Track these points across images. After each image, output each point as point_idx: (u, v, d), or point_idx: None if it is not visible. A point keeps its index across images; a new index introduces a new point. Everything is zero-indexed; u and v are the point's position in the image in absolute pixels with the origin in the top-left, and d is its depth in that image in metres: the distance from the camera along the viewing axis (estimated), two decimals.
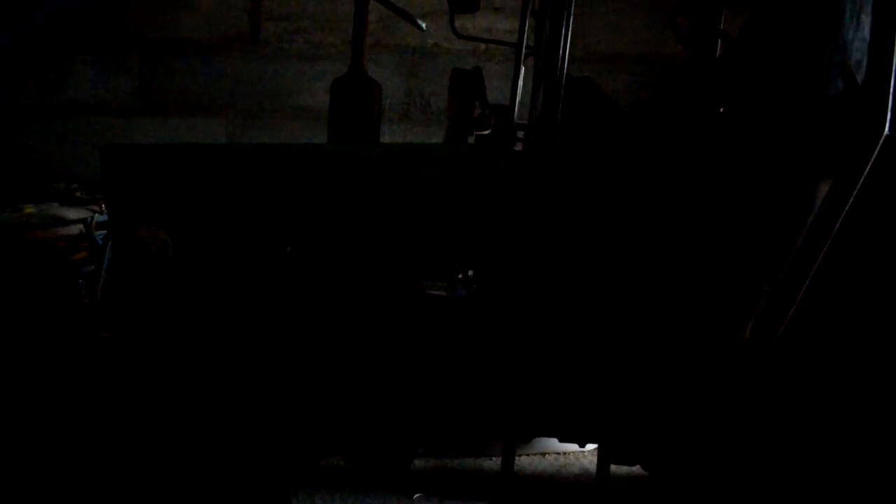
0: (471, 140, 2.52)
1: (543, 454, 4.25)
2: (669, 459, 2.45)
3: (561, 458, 4.24)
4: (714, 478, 2.35)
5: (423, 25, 3.78)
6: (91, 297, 3.90)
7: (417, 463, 4.12)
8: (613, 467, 2.86)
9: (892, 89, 1.96)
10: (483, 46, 5.06)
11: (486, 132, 2.51)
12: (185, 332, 2.78)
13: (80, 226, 4.09)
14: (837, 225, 2.00)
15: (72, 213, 4.20)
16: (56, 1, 4.87)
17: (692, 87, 2.66)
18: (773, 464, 2.30)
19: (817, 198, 2.08)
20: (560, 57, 2.25)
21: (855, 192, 1.99)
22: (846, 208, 2.00)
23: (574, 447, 4.21)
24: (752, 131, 2.29)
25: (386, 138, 5.10)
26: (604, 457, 2.59)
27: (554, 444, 4.29)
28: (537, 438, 3.96)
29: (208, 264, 2.78)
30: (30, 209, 4.25)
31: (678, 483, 2.39)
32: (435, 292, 2.90)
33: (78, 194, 4.57)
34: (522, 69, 2.39)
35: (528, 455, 4.22)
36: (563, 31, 2.25)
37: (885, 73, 1.96)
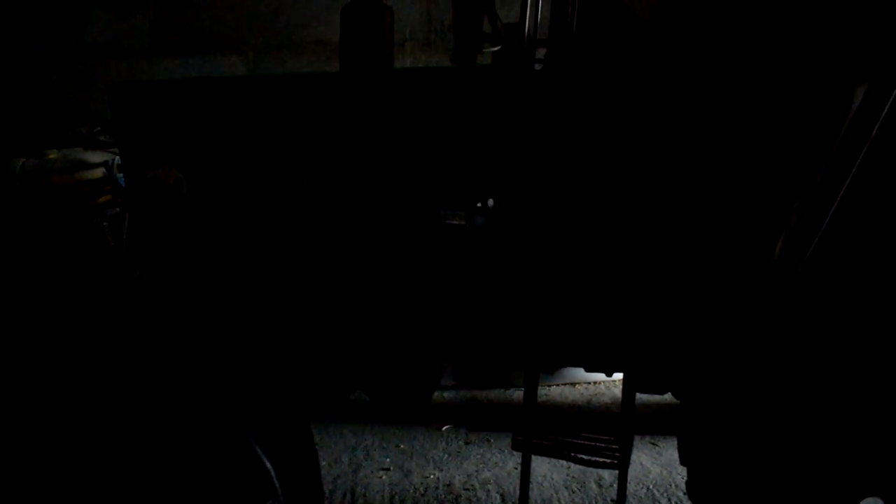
0: (480, 58, 2.42)
1: (574, 384, 4.23)
2: (696, 388, 2.39)
3: (592, 387, 4.22)
4: (742, 407, 2.29)
5: None
6: (117, 240, 3.91)
7: (448, 395, 4.13)
8: (647, 396, 2.80)
9: None
10: None
11: (497, 48, 2.40)
12: (205, 270, 2.76)
13: (103, 168, 4.08)
14: (874, 133, 1.86)
15: (94, 157, 4.18)
16: None
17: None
18: (799, 397, 2.22)
19: (852, 106, 1.94)
20: None
21: (892, 98, 1.85)
22: (883, 115, 1.85)
23: (604, 377, 4.18)
24: (781, 37, 2.15)
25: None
26: (629, 385, 2.53)
27: (585, 374, 4.26)
28: (568, 369, 3.93)
29: (224, 200, 2.74)
30: (53, 154, 4.24)
31: (705, 410, 2.33)
32: (454, 221, 2.83)
33: (102, 137, 4.55)
34: None
35: (558, 385, 4.20)
36: None
37: None
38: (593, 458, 2.45)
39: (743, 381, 2.22)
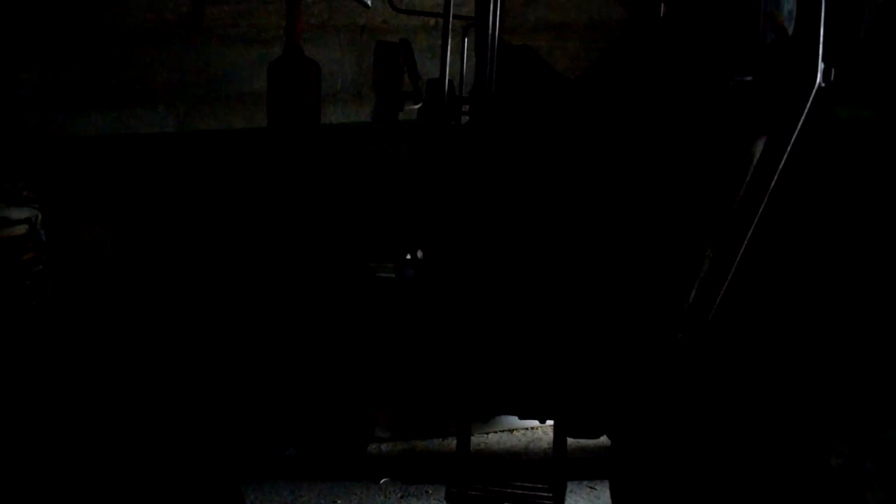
0: (402, 115, 2.46)
1: (512, 430, 4.23)
2: (622, 431, 2.42)
3: (529, 433, 4.22)
4: (672, 442, 2.33)
5: (369, 2, 3.69)
6: (40, 299, 3.81)
7: (385, 447, 4.08)
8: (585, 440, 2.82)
9: (822, 40, 1.91)
10: (432, 21, 4.97)
11: (418, 105, 2.45)
12: (128, 325, 2.72)
13: (26, 225, 3.98)
14: (773, 181, 1.95)
15: (18, 213, 4.08)
16: None
17: (633, 50, 2.61)
18: (733, 421, 2.27)
19: (755, 156, 2.03)
20: (490, 25, 2.18)
21: (790, 147, 1.94)
22: (781, 164, 1.95)
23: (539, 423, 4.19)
24: (689, 93, 2.24)
25: (340, 120, 5.02)
26: (560, 432, 2.56)
27: (522, 420, 4.26)
28: (503, 416, 3.94)
29: (148, 256, 2.71)
30: None
31: (632, 452, 2.36)
32: (384, 274, 2.85)
33: (25, 193, 4.45)
34: (450, 39, 2.33)
35: (496, 432, 4.20)
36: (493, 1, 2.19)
37: (814, 24, 1.91)
38: None
39: (661, 426, 2.27)
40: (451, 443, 4.11)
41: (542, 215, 2.41)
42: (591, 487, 3.60)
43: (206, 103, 5.08)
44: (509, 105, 2.36)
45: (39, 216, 3.92)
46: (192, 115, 5.10)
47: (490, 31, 2.22)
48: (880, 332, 2.16)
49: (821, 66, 1.93)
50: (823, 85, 1.95)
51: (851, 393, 2.24)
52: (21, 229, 4.03)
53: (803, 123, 1.95)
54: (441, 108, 2.30)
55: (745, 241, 1.99)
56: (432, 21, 5.05)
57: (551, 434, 4.23)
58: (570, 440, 2.83)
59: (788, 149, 1.94)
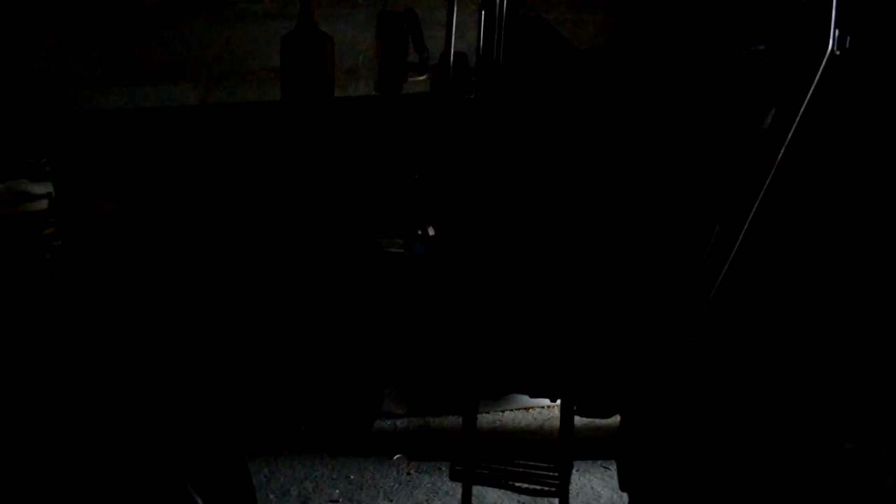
0: (406, 87, 2.42)
1: (528, 409, 4.21)
2: (631, 412, 2.39)
3: (545, 411, 4.20)
4: (679, 424, 2.29)
5: None
6: (60, 273, 3.85)
7: (400, 423, 4.09)
8: (600, 420, 2.78)
9: (834, 4, 1.82)
10: None
11: (423, 77, 2.41)
12: (140, 302, 2.73)
13: (47, 200, 4.02)
14: (780, 154, 1.88)
15: (39, 188, 4.12)
16: None
17: (651, 22, 2.54)
18: (743, 403, 2.23)
19: (763, 130, 1.96)
20: None
21: (799, 117, 1.87)
22: (789, 136, 1.88)
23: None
24: (701, 64, 2.18)
25: (361, 95, 4.99)
26: (567, 411, 2.53)
27: (541, 399, 4.24)
28: (517, 394, 3.92)
29: (159, 231, 2.72)
30: None
31: (640, 434, 2.33)
32: (393, 249, 2.83)
33: (48, 168, 4.49)
34: (455, 7, 2.29)
35: (511, 410, 4.18)
36: None
37: None
38: (531, 487, 2.44)
39: (667, 408, 2.23)
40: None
41: (548, 191, 2.37)
42: (604, 467, 3.58)
43: (228, 79, 5.07)
44: (519, 77, 2.32)
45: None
46: (214, 91, 5.11)
47: (498, 2, 2.17)
48: None
49: (835, 32, 1.84)
50: (838, 52, 1.86)
51: (866, 375, 2.18)
52: (43, 204, 4.08)
53: (815, 93, 1.86)
54: (446, 81, 2.27)
55: (750, 216, 1.92)
56: None
57: None
58: (585, 420, 2.80)
59: (797, 120, 1.87)
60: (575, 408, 2.63)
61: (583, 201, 2.40)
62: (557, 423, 4.07)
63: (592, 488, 3.39)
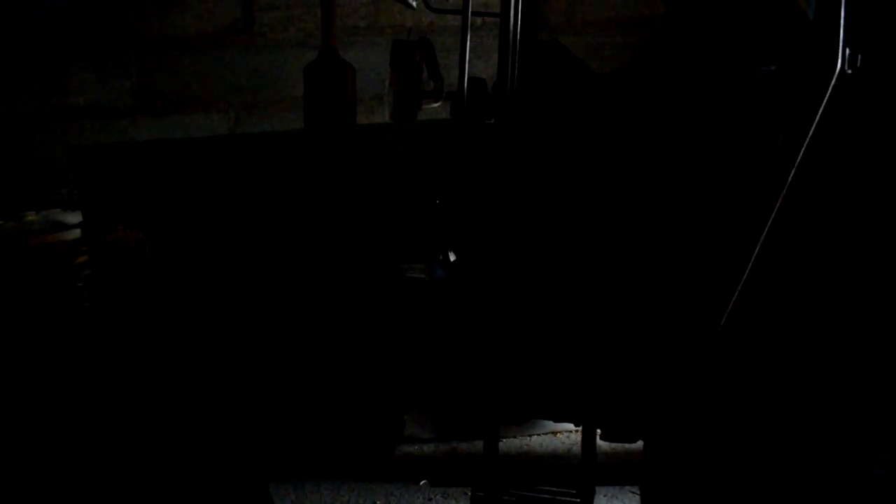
0: (422, 115, 2.45)
1: (556, 433, 4.17)
2: (654, 436, 2.36)
3: (573, 436, 4.15)
4: (701, 447, 2.26)
5: (414, 4, 3.68)
6: (91, 301, 3.92)
7: (427, 448, 4.08)
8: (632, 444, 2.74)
9: (843, 22, 1.80)
10: (479, 21, 4.95)
11: (437, 104, 2.43)
12: (166, 329, 2.77)
13: (80, 230, 4.11)
14: (790, 176, 1.87)
15: (71, 218, 4.22)
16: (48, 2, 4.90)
17: (667, 44, 2.54)
18: (768, 426, 2.19)
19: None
20: (512, 19, 2.15)
21: (809, 137, 1.85)
22: (799, 157, 1.86)
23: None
24: (715, 87, 2.17)
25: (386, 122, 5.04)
26: (588, 437, 2.51)
27: (566, 423, 4.20)
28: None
29: (185, 259, 2.76)
30: (31, 216, 4.28)
31: (662, 458, 2.30)
32: (414, 275, 2.84)
33: (78, 198, 4.59)
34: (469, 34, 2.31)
35: (539, 434, 4.15)
36: None
37: (834, 5, 1.80)
38: None
39: (689, 432, 2.20)
40: (498, 445, 4.08)
41: (569, 216, 2.37)
42: (633, 492, 3.52)
43: (257, 108, 5.17)
44: (535, 101, 2.33)
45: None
46: (243, 120, 5.20)
47: (512, 27, 2.19)
48: None
49: (846, 51, 1.82)
50: (850, 72, 1.84)
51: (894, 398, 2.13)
52: (76, 233, 4.17)
53: (825, 113, 1.84)
54: (461, 107, 2.29)
55: (761, 241, 1.90)
56: (479, 21, 5.03)
57: (596, 438, 4.18)
58: (614, 444, 2.77)
59: (807, 141, 1.85)
60: (599, 432, 2.60)
61: (600, 226, 2.39)
62: None
63: None
